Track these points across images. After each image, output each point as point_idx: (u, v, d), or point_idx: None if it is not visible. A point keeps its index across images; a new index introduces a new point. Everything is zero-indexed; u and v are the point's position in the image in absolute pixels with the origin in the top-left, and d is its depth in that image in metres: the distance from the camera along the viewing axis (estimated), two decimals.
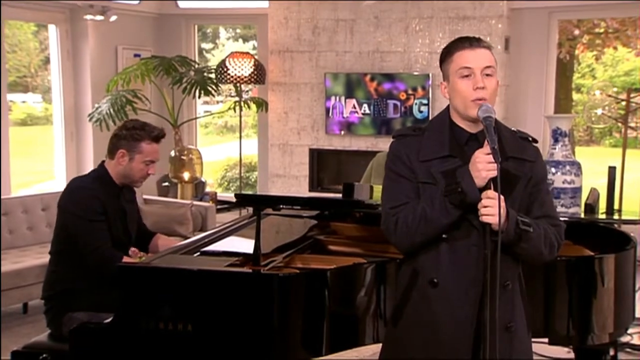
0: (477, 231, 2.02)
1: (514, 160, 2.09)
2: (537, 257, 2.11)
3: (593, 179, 6.52)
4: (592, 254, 3.00)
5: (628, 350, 4.26)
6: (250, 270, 2.54)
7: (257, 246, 2.60)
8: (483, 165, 1.95)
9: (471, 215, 2.00)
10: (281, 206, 3.01)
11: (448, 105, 2.16)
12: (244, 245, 2.94)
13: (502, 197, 1.93)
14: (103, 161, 3.20)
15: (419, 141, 2.12)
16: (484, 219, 1.95)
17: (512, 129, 2.21)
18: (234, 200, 7.71)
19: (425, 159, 2.08)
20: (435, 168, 2.07)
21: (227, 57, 6.81)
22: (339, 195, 3.25)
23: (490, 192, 1.95)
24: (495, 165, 1.92)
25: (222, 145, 11.25)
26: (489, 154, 1.94)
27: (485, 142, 1.97)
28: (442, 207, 2.00)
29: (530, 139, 2.20)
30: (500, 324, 1.99)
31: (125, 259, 3.01)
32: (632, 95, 6.11)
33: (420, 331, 2.11)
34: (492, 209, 1.93)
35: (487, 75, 2.05)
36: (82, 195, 3.08)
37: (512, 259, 2.09)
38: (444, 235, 2.06)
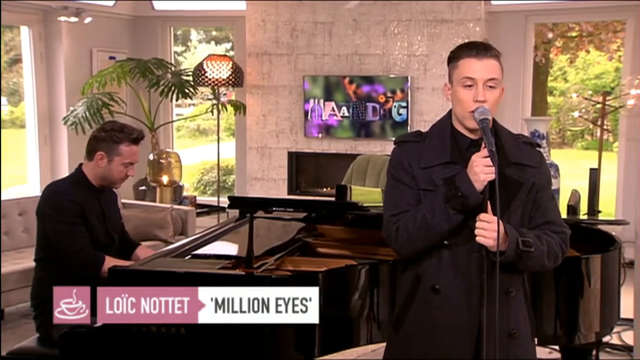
0: None
1: (517, 167, 2.08)
2: (540, 270, 2.13)
3: (567, 181, 6.59)
4: (578, 254, 3.03)
5: (608, 350, 4.31)
6: (244, 273, 2.52)
7: (250, 248, 2.58)
8: (480, 168, 1.94)
9: (471, 221, 1.99)
10: (273, 209, 2.99)
11: (450, 111, 2.14)
12: (232, 248, 2.92)
13: (500, 220, 1.92)
14: (81, 164, 3.18)
15: (420, 147, 2.11)
16: (479, 239, 1.95)
17: (515, 133, 2.20)
18: (212, 204, 7.65)
19: (426, 166, 2.08)
20: (437, 175, 2.06)
21: (204, 59, 6.75)
22: (325, 199, 3.24)
23: (484, 215, 1.95)
24: (493, 168, 1.91)
25: (196, 149, 11.18)
26: (486, 157, 1.93)
27: (482, 144, 1.96)
28: (443, 213, 1.99)
29: (534, 144, 2.19)
30: (503, 330, 2.00)
31: (108, 260, 3.00)
32: (607, 98, 6.21)
33: (422, 337, 2.11)
34: (487, 231, 1.93)
35: (490, 87, 2.05)
36: (58, 200, 3.05)
37: (516, 267, 2.08)
38: (445, 242, 2.05)
